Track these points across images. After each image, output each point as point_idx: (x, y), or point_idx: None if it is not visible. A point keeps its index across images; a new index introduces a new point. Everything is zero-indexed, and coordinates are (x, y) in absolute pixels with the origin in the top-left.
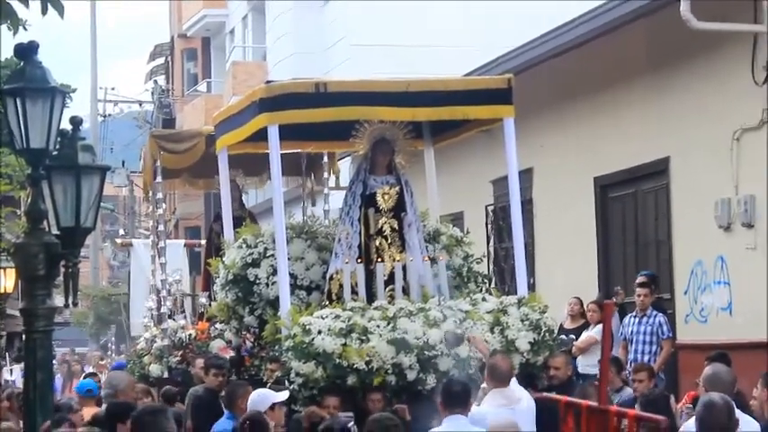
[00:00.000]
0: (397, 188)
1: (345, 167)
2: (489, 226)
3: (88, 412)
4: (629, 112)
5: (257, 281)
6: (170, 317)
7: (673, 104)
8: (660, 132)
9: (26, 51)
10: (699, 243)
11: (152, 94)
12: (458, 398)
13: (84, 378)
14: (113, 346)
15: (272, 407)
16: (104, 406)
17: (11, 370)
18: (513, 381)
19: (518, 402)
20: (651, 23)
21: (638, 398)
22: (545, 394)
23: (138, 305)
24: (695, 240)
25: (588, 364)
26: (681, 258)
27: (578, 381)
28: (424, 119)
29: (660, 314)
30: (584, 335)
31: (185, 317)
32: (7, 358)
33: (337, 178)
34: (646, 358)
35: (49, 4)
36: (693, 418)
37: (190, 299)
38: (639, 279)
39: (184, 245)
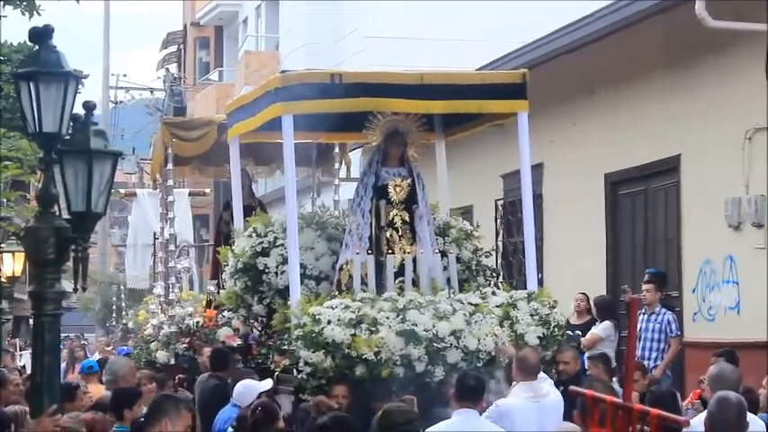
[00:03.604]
0: (409, 180)
1: (356, 159)
2: (498, 220)
3: (94, 390)
4: (641, 110)
5: (266, 270)
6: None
7: (685, 102)
8: (672, 130)
9: (41, 35)
10: (708, 242)
11: (164, 81)
12: (471, 392)
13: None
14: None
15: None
16: (105, 390)
17: (20, 355)
18: (544, 378)
19: (544, 396)
20: (665, 21)
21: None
22: (574, 387)
23: (134, 256)
24: (704, 239)
25: None
26: (690, 257)
27: (587, 376)
28: (438, 112)
29: (669, 312)
30: (590, 333)
31: (190, 269)
32: (17, 343)
33: (348, 169)
34: (654, 356)
35: None
36: (701, 414)
37: (194, 249)
38: (646, 276)
39: (189, 193)
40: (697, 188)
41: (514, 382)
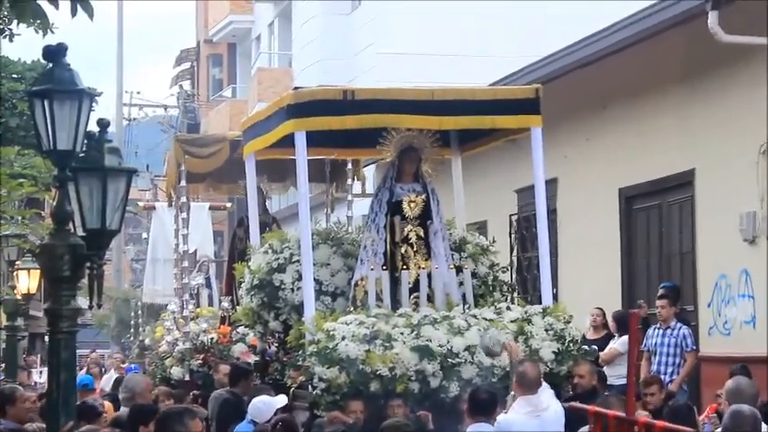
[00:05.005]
0: (424, 196)
1: (369, 175)
2: (513, 235)
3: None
4: (655, 124)
5: (283, 286)
6: (192, 319)
7: (699, 117)
8: (686, 144)
9: (55, 53)
10: (723, 256)
11: (177, 98)
12: (484, 406)
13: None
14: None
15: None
16: (123, 408)
17: (40, 372)
18: (545, 388)
19: (545, 410)
20: (678, 36)
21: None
22: (574, 404)
23: (154, 270)
24: (720, 253)
25: (613, 375)
26: (705, 271)
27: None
28: (450, 128)
29: (684, 326)
30: (608, 347)
31: (210, 284)
32: (38, 360)
33: (363, 185)
34: (669, 370)
35: (78, 6)
36: (717, 430)
37: (214, 265)
38: (660, 291)
39: (209, 207)
40: (712, 202)
41: (513, 394)
